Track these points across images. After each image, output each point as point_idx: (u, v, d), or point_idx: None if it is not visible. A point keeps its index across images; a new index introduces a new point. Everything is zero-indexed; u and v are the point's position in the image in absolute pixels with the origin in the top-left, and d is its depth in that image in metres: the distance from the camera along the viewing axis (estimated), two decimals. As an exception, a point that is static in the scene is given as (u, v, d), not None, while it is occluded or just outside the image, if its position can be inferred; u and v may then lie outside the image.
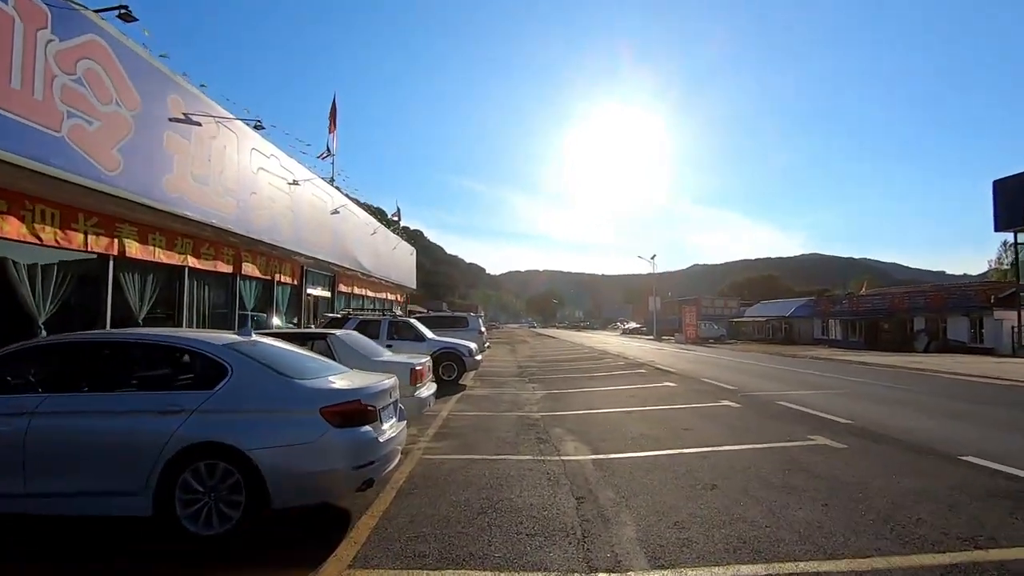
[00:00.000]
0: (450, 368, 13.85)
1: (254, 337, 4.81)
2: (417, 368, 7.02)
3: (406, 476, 5.61)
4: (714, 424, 8.17)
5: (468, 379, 15.04)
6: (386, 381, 4.82)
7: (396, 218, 33.43)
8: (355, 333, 7.73)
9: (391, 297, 31.65)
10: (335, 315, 14.93)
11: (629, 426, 8.19)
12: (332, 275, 21.76)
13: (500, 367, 19.43)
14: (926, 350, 34.16)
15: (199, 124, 11.04)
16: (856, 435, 7.18)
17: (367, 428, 4.17)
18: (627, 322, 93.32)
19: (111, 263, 9.64)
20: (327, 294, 21.27)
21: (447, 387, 13.17)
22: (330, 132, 20.42)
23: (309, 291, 19.36)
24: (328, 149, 20.12)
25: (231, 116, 12.19)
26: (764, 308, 61.97)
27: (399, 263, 31.44)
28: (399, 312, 15.16)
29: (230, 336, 4.63)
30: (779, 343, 49.56)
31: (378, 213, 46.31)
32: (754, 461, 5.99)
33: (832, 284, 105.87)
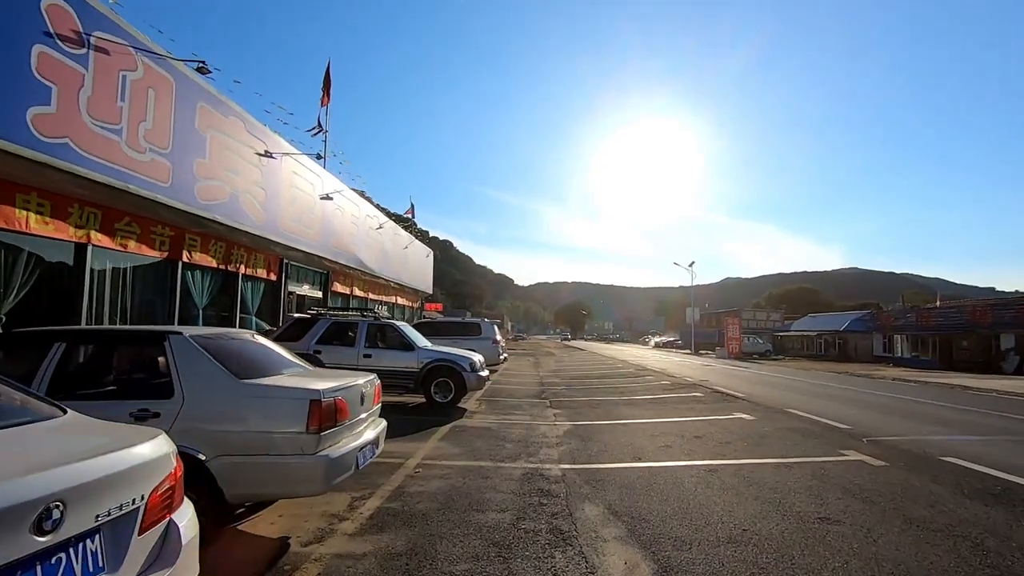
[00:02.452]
0: (445, 386, 10.51)
1: None
2: (324, 401, 3.68)
3: None
4: (873, 509, 4.56)
5: (473, 400, 11.68)
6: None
7: (409, 215, 30.47)
8: (225, 333, 4.46)
9: (402, 301, 28.62)
10: (303, 315, 11.81)
11: (714, 502, 4.69)
12: (326, 272, 18.77)
13: (517, 384, 16.01)
14: (1018, 371, 29.29)
15: (105, 51, 8.09)
16: None
17: None
18: (659, 335, 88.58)
19: (-65, 229, 6.67)
20: (318, 294, 18.25)
21: (440, 412, 9.85)
22: (322, 104, 17.50)
23: (292, 288, 16.36)
24: (319, 124, 17.19)
25: (160, 51, 9.19)
26: (813, 322, 56.93)
27: (412, 264, 28.42)
28: (384, 313, 11.92)
29: None
30: (833, 360, 44.77)
31: (412, 227, 43.39)
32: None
33: (875, 298, 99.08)
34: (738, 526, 4.14)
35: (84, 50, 7.72)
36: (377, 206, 25.95)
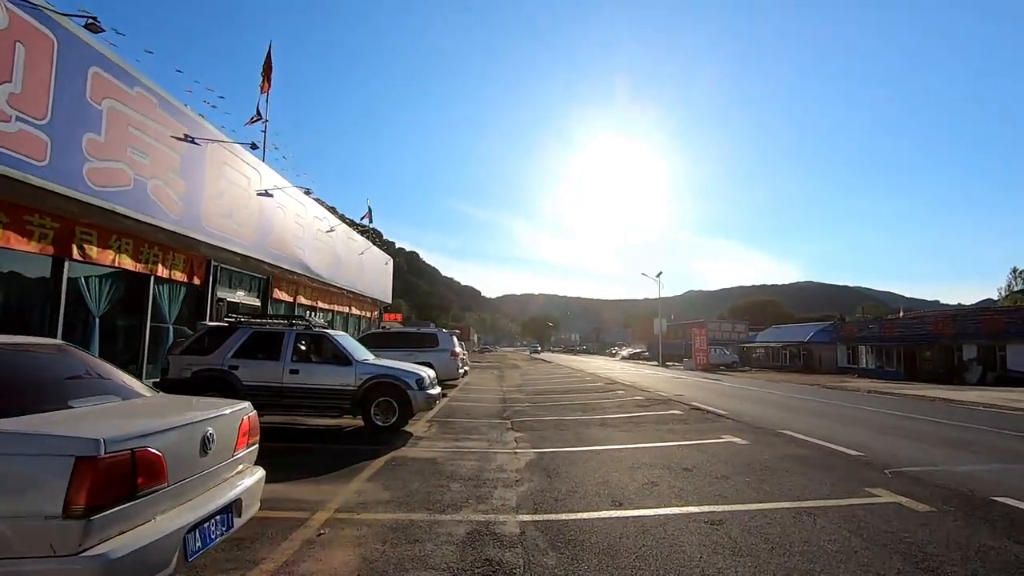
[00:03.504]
0: (387, 407, 8.92)
1: None
2: (103, 458, 2.14)
3: None
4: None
5: (422, 422, 10.12)
6: None
7: (367, 220, 28.71)
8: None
9: (356, 311, 26.74)
10: (218, 323, 10.03)
11: (731, 581, 3.31)
12: (265, 277, 16.91)
13: (477, 400, 14.48)
14: (981, 382, 29.35)
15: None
16: None
17: None
18: (626, 346, 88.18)
19: None
20: (255, 301, 16.37)
21: (379, 438, 8.28)
22: (262, 91, 15.82)
23: (223, 295, 14.48)
24: (259, 112, 15.50)
25: (34, -2, 7.46)
26: (777, 333, 57.23)
27: (369, 272, 26.60)
28: (320, 322, 10.24)
29: None
30: (798, 370, 44.72)
31: (373, 234, 40.97)
32: None
33: (832, 310, 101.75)
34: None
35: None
36: (333, 211, 24.06)
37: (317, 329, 9.59)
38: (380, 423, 8.88)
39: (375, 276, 28.16)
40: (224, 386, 8.87)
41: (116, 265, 10.30)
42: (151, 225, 10.09)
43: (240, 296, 15.47)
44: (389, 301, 32.52)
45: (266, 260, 15.22)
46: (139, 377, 11.55)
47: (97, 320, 10.13)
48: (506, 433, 9.22)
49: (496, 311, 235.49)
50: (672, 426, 9.81)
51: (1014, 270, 73.14)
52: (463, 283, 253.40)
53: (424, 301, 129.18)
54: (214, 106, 13.59)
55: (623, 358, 63.93)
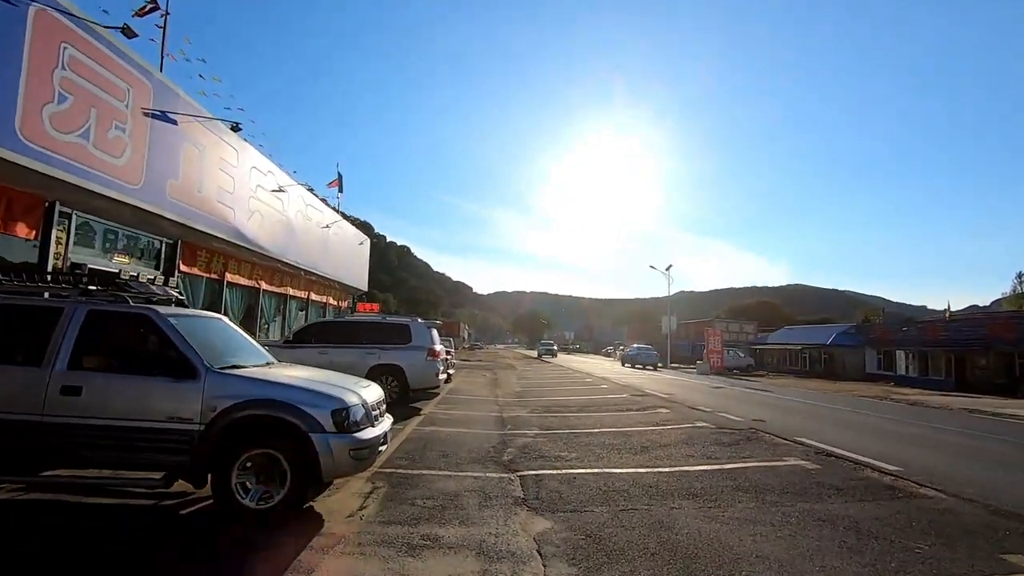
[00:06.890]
0: (270, 468, 4.21)
1: None
2: None
3: None
4: None
5: (356, 483, 5.42)
6: None
7: (335, 187, 23.87)
8: None
9: (318, 297, 21.90)
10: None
11: None
12: (172, 241, 12.12)
13: (461, 423, 9.76)
14: (1055, 396, 25.07)
15: None
16: None
17: None
18: (624, 346, 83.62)
19: None
20: (148, 273, 11.54)
21: (240, 542, 3.55)
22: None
23: (83, 258, 9.66)
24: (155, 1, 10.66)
25: None
26: (791, 334, 52.94)
27: (336, 251, 21.77)
28: (173, 293, 5.37)
29: None
30: (820, 376, 40.42)
31: (364, 227, 36.15)
32: None
33: (824, 313, 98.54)
34: None
35: None
36: (305, 186, 19.03)
37: (140, 307, 4.80)
38: (250, 503, 4.16)
39: (345, 257, 23.32)
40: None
41: None
42: None
43: (119, 263, 10.63)
44: (364, 288, 27.68)
45: (165, 215, 10.50)
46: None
47: None
48: (514, 519, 4.55)
49: (488, 307, 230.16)
50: (848, 508, 5.10)
51: (1019, 275, 70.56)
52: (454, 279, 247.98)
53: (415, 296, 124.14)
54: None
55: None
